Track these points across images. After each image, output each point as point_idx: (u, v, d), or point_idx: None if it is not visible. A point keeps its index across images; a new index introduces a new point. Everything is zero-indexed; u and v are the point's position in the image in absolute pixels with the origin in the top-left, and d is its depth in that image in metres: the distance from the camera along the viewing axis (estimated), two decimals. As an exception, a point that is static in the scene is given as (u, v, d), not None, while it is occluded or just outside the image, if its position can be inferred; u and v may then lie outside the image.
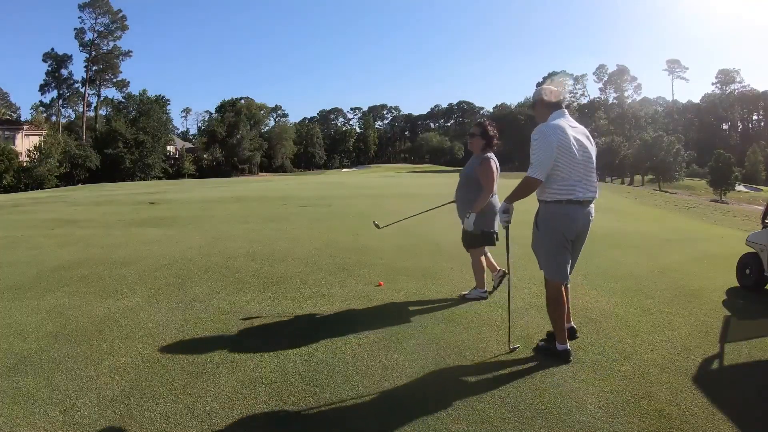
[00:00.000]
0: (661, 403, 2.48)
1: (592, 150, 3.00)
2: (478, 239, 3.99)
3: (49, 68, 56.46)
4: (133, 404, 2.45)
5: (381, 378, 2.74)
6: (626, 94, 73.86)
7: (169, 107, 62.77)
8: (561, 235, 2.91)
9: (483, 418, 2.35)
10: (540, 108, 3.03)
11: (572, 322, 3.27)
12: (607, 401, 2.50)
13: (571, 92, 75.85)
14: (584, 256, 6.08)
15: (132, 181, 42.50)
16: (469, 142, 4.04)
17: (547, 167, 2.82)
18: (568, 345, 2.99)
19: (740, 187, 45.85)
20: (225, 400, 2.50)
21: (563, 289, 3.01)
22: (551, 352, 2.99)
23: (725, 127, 77.26)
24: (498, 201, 3.78)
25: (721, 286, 4.65)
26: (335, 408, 2.43)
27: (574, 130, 2.94)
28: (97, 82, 57.61)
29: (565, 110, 3.00)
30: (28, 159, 40.18)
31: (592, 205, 3.01)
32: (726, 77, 74.71)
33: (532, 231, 3.04)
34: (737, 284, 4.69)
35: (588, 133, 3.04)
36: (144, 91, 56.68)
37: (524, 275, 4.83)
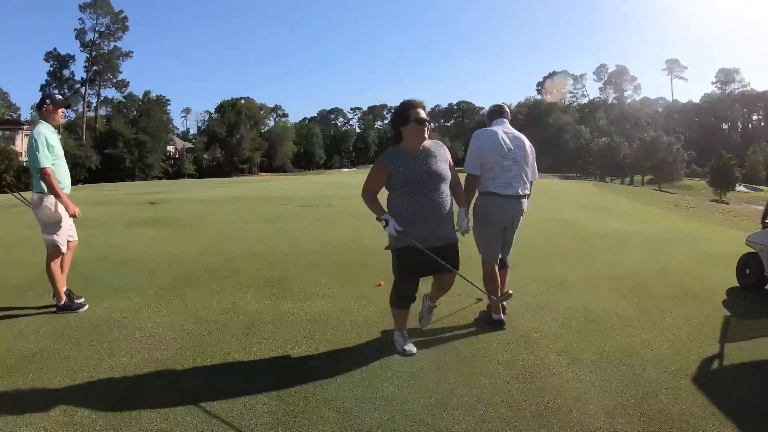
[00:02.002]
0: (661, 403, 2.48)
1: (527, 152, 3.51)
2: None
3: (51, 68, 56.51)
4: (133, 404, 2.45)
5: (381, 378, 2.74)
6: (626, 93, 74.11)
7: (169, 107, 62.94)
8: (490, 222, 3.46)
9: (483, 418, 2.35)
10: (487, 119, 3.72)
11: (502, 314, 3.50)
12: (607, 401, 2.50)
13: (571, 92, 76.14)
14: (585, 256, 6.10)
15: (132, 181, 42.48)
16: (425, 131, 2.92)
17: (475, 163, 3.43)
18: (503, 316, 3.47)
19: (740, 188, 45.87)
20: (225, 400, 2.50)
21: (497, 268, 3.51)
22: (489, 321, 3.49)
23: (725, 127, 77.28)
24: None
25: (721, 286, 4.65)
26: (335, 408, 2.43)
27: (508, 135, 3.50)
28: (97, 83, 57.65)
29: (505, 120, 3.61)
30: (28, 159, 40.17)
31: (524, 200, 3.51)
32: (726, 77, 74.72)
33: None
34: (737, 284, 4.69)
35: (524, 139, 3.56)
36: (147, 92, 56.87)
37: (523, 276, 4.83)
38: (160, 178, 47.99)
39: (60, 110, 3.80)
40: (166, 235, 7.39)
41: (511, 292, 3.42)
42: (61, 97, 3.88)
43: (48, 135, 3.61)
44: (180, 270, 5.15)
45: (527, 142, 3.57)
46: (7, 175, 36.58)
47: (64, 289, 3.82)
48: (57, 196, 3.61)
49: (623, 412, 2.39)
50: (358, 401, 2.49)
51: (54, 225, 3.69)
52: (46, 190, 3.62)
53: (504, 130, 3.52)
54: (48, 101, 3.78)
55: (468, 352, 3.07)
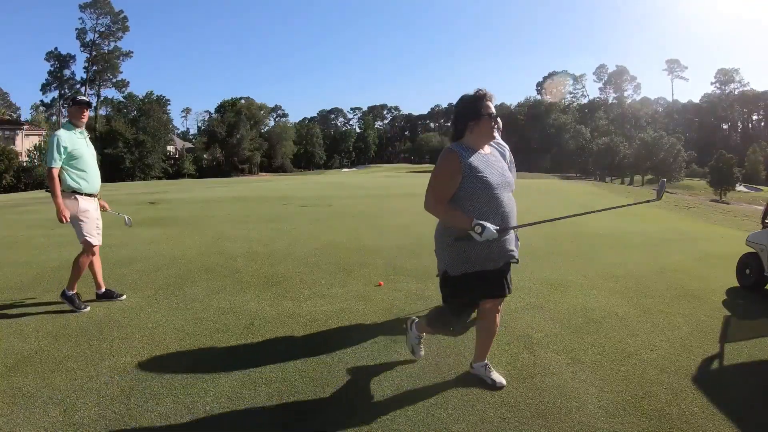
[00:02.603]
0: (661, 403, 2.48)
1: (505, 157, 3.54)
2: None
3: (52, 68, 56.59)
4: (133, 404, 2.45)
5: (381, 378, 2.74)
6: (626, 94, 74.18)
7: (169, 107, 63.06)
8: None
9: (483, 418, 2.35)
10: None
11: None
12: (607, 401, 2.50)
13: (570, 92, 76.17)
14: (585, 256, 6.08)
15: (132, 181, 42.49)
16: (496, 127, 2.69)
17: None
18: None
19: (740, 187, 45.88)
20: (225, 400, 2.50)
21: None
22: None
23: (725, 127, 77.31)
24: None
25: (721, 286, 4.65)
26: (335, 408, 2.43)
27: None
28: (97, 82, 57.71)
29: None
30: (28, 159, 40.19)
31: None
32: (725, 77, 74.77)
33: None
34: (737, 284, 4.69)
35: (506, 147, 3.62)
36: (150, 93, 57.04)
37: (524, 275, 4.83)
38: (160, 178, 48.04)
39: (83, 111, 3.88)
40: (166, 235, 7.39)
41: None
42: (83, 97, 3.99)
43: (64, 137, 3.71)
44: (180, 270, 5.15)
45: (508, 151, 3.74)
46: (7, 175, 36.61)
47: (102, 289, 4.04)
48: (53, 196, 3.68)
49: (623, 412, 2.39)
50: (358, 401, 2.49)
51: (77, 222, 3.78)
52: (67, 189, 3.74)
53: None
54: (70, 103, 3.96)
55: (468, 352, 3.06)
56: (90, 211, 3.82)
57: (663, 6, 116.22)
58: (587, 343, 3.22)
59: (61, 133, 3.73)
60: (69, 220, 3.73)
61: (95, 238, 3.85)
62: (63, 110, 58.57)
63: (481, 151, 2.51)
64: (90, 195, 3.86)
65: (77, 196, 3.76)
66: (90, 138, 4.05)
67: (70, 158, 3.72)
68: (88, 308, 3.86)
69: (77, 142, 3.78)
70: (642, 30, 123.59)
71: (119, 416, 2.34)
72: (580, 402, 2.48)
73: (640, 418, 2.35)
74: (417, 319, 2.92)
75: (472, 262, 2.44)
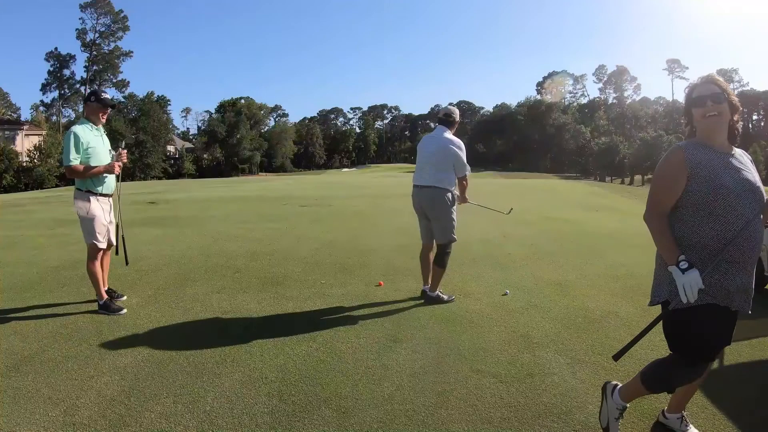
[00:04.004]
0: (661, 403, 2.47)
1: (434, 152, 4.03)
2: None
3: (52, 68, 56.60)
4: (133, 404, 2.45)
5: (381, 378, 2.74)
6: (626, 94, 74.12)
7: (169, 107, 63.09)
8: (414, 207, 4.22)
9: (483, 418, 2.35)
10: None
11: (428, 285, 4.18)
12: (607, 401, 2.49)
13: (570, 92, 76.18)
14: (585, 256, 6.07)
15: (132, 181, 42.48)
16: (719, 118, 1.90)
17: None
18: (425, 288, 4.14)
19: (740, 187, 45.86)
20: (225, 400, 2.50)
21: (429, 254, 4.17)
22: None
23: (725, 127, 77.22)
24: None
25: (721, 286, 4.65)
26: (335, 408, 2.43)
27: (431, 137, 4.17)
28: (97, 82, 57.69)
29: (440, 125, 4.16)
30: (28, 159, 40.21)
31: (426, 189, 4.02)
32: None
33: None
34: (737, 284, 4.68)
35: (443, 142, 4.01)
36: (151, 93, 57.04)
37: (524, 275, 4.83)
38: (160, 178, 48.03)
39: (107, 111, 3.77)
40: (166, 235, 7.39)
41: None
42: (108, 96, 3.81)
43: (81, 133, 3.60)
44: (180, 270, 5.15)
45: (445, 145, 4.00)
46: (7, 175, 36.62)
47: (105, 288, 3.88)
48: (93, 173, 3.63)
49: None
50: (358, 401, 2.49)
51: (86, 223, 3.71)
52: (82, 188, 3.67)
53: (434, 133, 4.15)
54: (93, 98, 3.75)
55: (468, 352, 3.07)
56: (101, 213, 3.73)
57: (663, 6, 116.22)
58: (587, 343, 3.22)
59: (78, 129, 3.61)
60: (120, 167, 3.73)
61: (102, 242, 3.77)
62: (63, 110, 58.57)
63: (718, 148, 1.91)
64: (104, 195, 3.76)
65: (91, 197, 3.67)
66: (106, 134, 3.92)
67: (86, 156, 3.60)
68: (125, 310, 3.81)
69: (94, 139, 3.66)
70: (642, 30, 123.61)
71: (119, 416, 2.34)
72: (580, 402, 2.48)
73: (640, 418, 2.35)
74: (620, 385, 2.21)
75: (707, 290, 1.80)
